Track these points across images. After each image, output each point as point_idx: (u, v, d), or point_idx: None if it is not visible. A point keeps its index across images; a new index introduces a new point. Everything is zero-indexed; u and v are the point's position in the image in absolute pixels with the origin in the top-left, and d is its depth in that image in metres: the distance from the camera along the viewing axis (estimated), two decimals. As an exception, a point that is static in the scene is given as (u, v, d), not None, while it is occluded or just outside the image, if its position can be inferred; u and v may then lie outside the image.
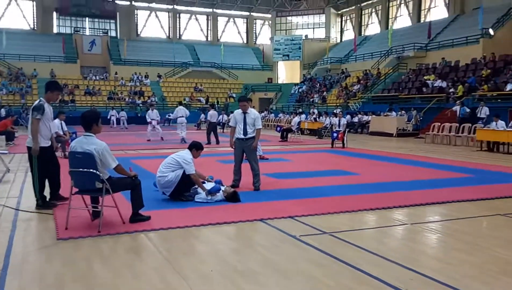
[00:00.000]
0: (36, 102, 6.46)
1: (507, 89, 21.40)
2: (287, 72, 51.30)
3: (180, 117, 18.04)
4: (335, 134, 16.74)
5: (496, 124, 15.15)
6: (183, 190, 6.94)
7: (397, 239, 5.35)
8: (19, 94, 35.98)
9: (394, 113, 24.31)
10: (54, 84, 6.74)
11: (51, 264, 4.22)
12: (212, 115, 17.62)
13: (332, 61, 43.64)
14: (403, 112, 24.34)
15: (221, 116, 28.06)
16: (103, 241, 4.91)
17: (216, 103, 40.55)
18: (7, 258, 4.35)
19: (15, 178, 9.16)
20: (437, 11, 39.66)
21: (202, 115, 31.01)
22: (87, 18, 46.93)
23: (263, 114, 33.21)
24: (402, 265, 4.19)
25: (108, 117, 30.95)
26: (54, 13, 45.70)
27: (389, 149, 16.04)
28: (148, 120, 19.65)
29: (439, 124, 19.32)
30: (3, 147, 14.51)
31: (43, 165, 6.32)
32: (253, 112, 8.10)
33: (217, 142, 17.12)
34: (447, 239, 5.21)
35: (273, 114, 33.69)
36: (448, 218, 6.16)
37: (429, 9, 40.64)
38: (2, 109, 30.76)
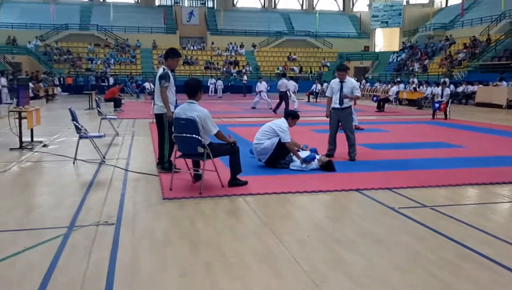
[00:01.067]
0: (160, 70, 6.62)
1: None
2: (385, 40, 48.99)
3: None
4: (437, 105, 15.82)
5: None
6: (279, 157, 7.02)
7: (506, 216, 4.99)
8: (124, 64, 38.40)
9: (504, 82, 22.30)
10: (173, 51, 6.82)
11: (159, 222, 4.53)
12: (280, 84, 17.34)
13: (435, 27, 40.83)
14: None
15: (314, 85, 27.75)
16: (205, 203, 5.15)
17: (309, 73, 40.24)
18: (120, 213, 4.75)
19: (123, 142, 9.88)
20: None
21: (296, 85, 30.89)
22: (186, -10, 48.32)
23: (358, 83, 32.28)
24: (511, 243, 3.90)
25: (208, 85, 32.03)
26: (156, -14, 47.63)
27: (498, 121, 14.83)
28: (257, 90, 20.82)
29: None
30: (112, 113, 15.66)
31: (171, 130, 6.56)
32: (350, 81, 7.90)
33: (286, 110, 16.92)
34: None
35: (368, 84, 32.56)
36: None
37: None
38: (111, 78, 33.14)
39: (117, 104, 18.16)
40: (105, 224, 4.39)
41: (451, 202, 5.33)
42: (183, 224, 4.43)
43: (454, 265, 3.47)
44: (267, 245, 3.87)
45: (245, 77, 34.68)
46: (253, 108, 20.01)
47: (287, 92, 17.33)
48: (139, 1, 47.62)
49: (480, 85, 23.23)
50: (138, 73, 37.03)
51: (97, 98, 13.35)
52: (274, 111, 17.27)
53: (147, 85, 26.34)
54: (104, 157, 7.69)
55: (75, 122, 7.54)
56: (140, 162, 7.60)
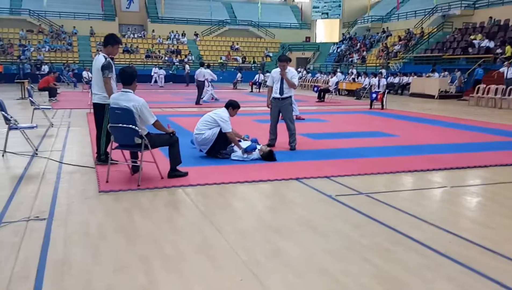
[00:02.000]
0: (101, 58, 6.23)
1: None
2: (326, 31, 49.90)
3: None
4: (374, 95, 16.36)
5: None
6: (220, 147, 6.99)
7: (436, 201, 5.25)
8: (60, 51, 36.70)
9: (436, 74, 23.44)
10: (114, 37, 6.44)
11: (94, 215, 4.38)
12: (198, 73, 17.24)
13: (373, 19, 42.06)
14: (446, 73, 23.44)
15: (257, 76, 27.86)
16: (143, 195, 5.04)
17: (252, 62, 40.33)
18: (52, 207, 4.54)
19: (58, 133, 9.45)
20: (488, -34, 37.24)
21: (239, 74, 30.88)
22: (125, -25, 46.75)
23: (300, 74, 32.74)
24: (440, 228, 4.12)
25: (152, 74, 31.22)
26: (93, -30, 45.72)
27: (431, 111, 15.58)
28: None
29: (484, 86, 18.54)
30: (46, 103, 14.95)
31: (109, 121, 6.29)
32: (291, 71, 7.97)
33: (197, 101, 16.99)
34: (488, 203, 5.07)
35: (310, 74, 33.13)
36: (490, 182, 5.99)
37: (479, -37, 38.22)
38: (45, 66, 31.55)
39: (52, 93, 17.37)
40: (36, 219, 4.18)
41: (385, 189, 5.53)
42: (120, 217, 4.31)
43: (386, 250, 3.60)
44: (206, 237, 3.84)
45: (187, 67, 34.16)
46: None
47: (205, 81, 17.26)
48: (75, -14, 45.49)
49: (415, 76, 24.27)
50: (75, 61, 35.53)
51: (29, 87, 12.68)
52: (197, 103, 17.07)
53: (84, 74, 25.34)
54: (36, 149, 7.33)
55: (3, 112, 7.11)
56: (76, 154, 7.31)
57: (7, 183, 5.48)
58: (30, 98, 11.24)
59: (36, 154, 7.10)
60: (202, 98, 17.62)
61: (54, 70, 27.45)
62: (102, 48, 6.57)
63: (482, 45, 24.73)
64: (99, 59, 6.27)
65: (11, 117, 7.14)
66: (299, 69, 34.51)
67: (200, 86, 17.03)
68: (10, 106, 13.46)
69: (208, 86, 17.99)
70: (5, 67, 31.89)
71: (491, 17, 27.77)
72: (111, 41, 6.37)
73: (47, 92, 17.31)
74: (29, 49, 35.32)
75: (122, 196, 5.00)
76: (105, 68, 6.13)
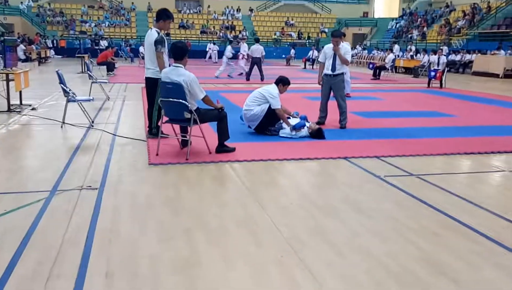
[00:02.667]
0: (154, 33, 6.30)
1: None
2: (385, 6, 48.05)
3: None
4: (432, 73, 15.67)
5: None
6: (268, 124, 6.96)
7: (493, 186, 4.99)
8: (118, 27, 37.70)
9: (502, 51, 22.07)
10: (166, 12, 6.49)
11: (143, 187, 4.50)
12: (254, 50, 16.61)
13: (436, -7, 40.06)
14: (513, 51, 22.02)
15: (311, 52, 27.40)
16: (190, 169, 5.12)
17: (307, 39, 39.67)
18: (104, 178, 4.71)
19: (114, 106, 9.77)
20: None
21: (292, 51, 30.50)
22: (182, -50, 47.00)
23: (355, 50, 31.86)
24: (495, 213, 3.91)
25: (207, 50, 31.17)
26: None
27: (494, 90, 14.74)
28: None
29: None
30: (104, 77, 15.46)
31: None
32: (344, 47, 7.74)
33: (262, 78, 16.42)
34: (550, 190, 4.76)
35: (366, 51, 32.17)
36: (555, 168, 5.60)
37: None
38: (104, 41, 32.57)
39: (110, 68, 17.92)
40: (88, 189, 4.36)
41: (438, 171, 5.32)
42: (167, 190, 4.41)
43: (434, 234, 3.47)
44: (249, 212, 3.85)
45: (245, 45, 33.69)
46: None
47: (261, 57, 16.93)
48: (134, -38, 46.29)
49: (478, 54, 22.98)
50: (132, 37, 36.42)
51: (88, 62, 13.14)
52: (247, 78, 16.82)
53: (141, 49, 25.89)
54: (93, 122, 7.61)
55: (62, 85, 7.42)
56: (129, 127, 7.53)
57: (64, 153, 5.74)
58: (89, 72, 11.65)
59: (92, 126, 7.38)
60: (230, 74, 17.75)
61: (113, 45, 28.29)
62: (155, 23, 6.65)
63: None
64: (152, 34, 6.35)
65: (69, 90, 7.43)
66: (357, 46, 33.59)
67: (258, 62, 16.88)
68: (70, 79, 14.07)
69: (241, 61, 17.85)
70: (67, 42, 33.25)
71: None
72: (163, 16, 6.41)
73: (105, 67, 17.87)
74: (90, 24, 36.55)
75: (171, 169, 5.11)
76: (158, 42, 6.21)
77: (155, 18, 6.80)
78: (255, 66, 16.66)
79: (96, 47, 30.78)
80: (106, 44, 30.24)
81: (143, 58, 24.18)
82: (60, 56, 29.84)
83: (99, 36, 34.38)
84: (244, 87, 14.39)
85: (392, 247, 3.23)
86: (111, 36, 34.93)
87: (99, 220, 3.62)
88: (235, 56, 19.54)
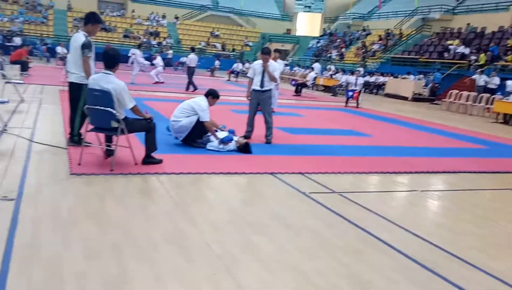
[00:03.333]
0: (81, 36, 6.05)
1: (532, 62, 20.81)
2: (307, 25, 49.98)
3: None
4: (350, 93, 16.53)
5: (516, 97, 14.85)
6: (196, 136, 6.95)
7: (405, 204, 5.37)
8: (34, 24, 35.59)
9: (412, 76, 23.84)
10: (95, 16, 6.28)
11: (65, 198, 4.29)
12: (192, 59, 16.93)
13: (354, 17, 42.39)
14: (421, 76, 23.86)
15: (236, 64, 27.71)
16: (116, 180, 4.97)
17: (231, 51, 40.08)
18: (21, 188, 4.43)
19: (29, 109, 9.20)
20: (469, -27, 37.93)
21: (217, 62, 30.62)
22: (107, -50, 45.64)
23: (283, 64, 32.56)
24: (409, 231, 4.22)
25: (129, 55, 30.19)
26: None
27: (404, 112, 15.85)
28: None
29: (457, 91, 18.98)
30: (17, 77, 14.50)
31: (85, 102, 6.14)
32: (272, 64, 7.95)
33: (195, 88, 16.63)
34: (454, 208, 5.22)
35: (288, 67, 33.13)
36: (458, 188, 6.15)
37: (461, -30, 38.87)
38: (18, 38, 30.54)
39: (24, 67, 16.82)
40: (4, 199, 4.07)
41: (357, 189, 5.62)
42: (91, 202, 4.24)
43: (357, 251, 3.67)
44: (179, 227, 3.82)
45: (171, 51, 33.41)
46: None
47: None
48: (54, -43, 44.14)
49: (391, 77, 24.62)
50: (49, 35, 34.53)
51: (1, 59, 12.26)
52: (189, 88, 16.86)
53: (59, 49, 24.69)
54: (6, 125, 7.11)
55: (-27, 85, 6.87)
56: (47, 133, 7.13)
57: (-26, 159, 5.32)
58: (2, 70, 10.88)
59: (6, 130, 6.90)
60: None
61: (28, 43, 26.64)
62: (82, 26, 6.39)
63: (458, 51, 25.23)
64: (79, 37, 6.10)
65: (-19, 90, 6.90)
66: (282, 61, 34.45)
67: (193, 72, 16.80)
68: (-20, 77, 13.02)
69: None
70: (-25, 36, 30.75)
71: (468, 24, 28.34)
72: (92, 19, 6.21)
73: (18, 66, 16.77)
74: (1, 18, 34.14)
75: (95, 180, 4.92)
76: (85, 46, 5.99)
77: (82, 20, 6.53)
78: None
79: (9, 44, 28.76)
80: (20, 42, 28.45)
81: (60, 58, 23.13)
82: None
83: (13, 32, 32.16)
84: (168, 96, 14.22)
85: (319, 264, 3.36)
86: (25, 34, 32.84)
87: (17, 234, 3.40)
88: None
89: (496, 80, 18.71)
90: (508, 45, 23.34)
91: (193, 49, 17.95)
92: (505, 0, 28.08)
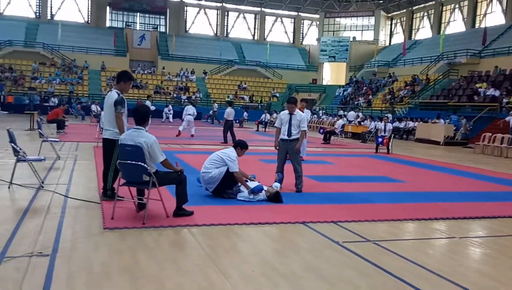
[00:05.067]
0: (113, 94, 6.31)
1: None
2: (332, 74, 50.71)
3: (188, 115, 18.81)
4: (380, 139, 16.39)
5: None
6: (226, 187, 6.97)
7: (444, 252, 5.17)
8: (70, 84, 37.29)
9: (442, 120, 23.56)
10: (127, 74, 6.53)
11: (98, 253, 4.32)
12: (229, 113, 17.23)
13: (379, 64, 42.79)
14: (450, 120, 23.54)
15: (263, 115, 28.09)
16: (148, 233, 4.99)
17: (259, 102, 40.78)
18: (56, 243, 4.49)
19: (65, 166, 9.47)
20: (494, 17, 38.09)
21: (245, 113, 31.12)
22: (138, 13, 48.16)
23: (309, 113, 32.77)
24: (450, 280, 4.03)
25: (164, 112, 30.80)
26: (108, 8, 47.18)
27: (436, 157, 15.56)
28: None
29: (490, 134, 18.58)
30: (54, 135, 15.07)
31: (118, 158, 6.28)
32: (299, 114, 8.04)
33: (234, 140, 16.79)
34: (497, 255, 4.98)
35: (316, 116, 33.32)
36: (498, 234, 5.90)
37: (485, 14, 39.10)
38: (54, 98, 31.97)
39: (60, 126, 17.52)
40: (39, 255, 4.13)
41: (392, 237, 5.46)
42: (124, 256, 4.25)
43: (395, 302, 3.52)
44: (211, 280, 3.77)
45: (215, 105, 33.99)
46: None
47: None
48: (89, 22, 46.84)
49: (420, 122, 24.39)
50: (84, 94, 36.06)
51: (38, 119, 12.82)
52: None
53: (93, 107, 25.66)
54: (42, 182, 7.32)
55: (13, 144, 7.16)
56: (82, 188, 7.29)
57: (11, 216, 5.45)
58: (39, 130, 11.34)
59: (42, 186, 7.10)
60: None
61: (63, 102, 27.82)
62: (114, 84, 6.67)
63: (487, 93, 24.94)
64: (112, 95, 6.35)
65: (20, 149, 7.18)
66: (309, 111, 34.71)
67: (232, 125, 17.18)
68: (18, 136, 13.55)
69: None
70: (16, 98, 32.38)
71: (496, 66, 28.14)
72: (124, 78, 6.47)
73: (55, 124, 17.46)
74: (40, 81, 35.93)
75: (127, 233, 4.95)
76: (118, 103, 6.21)
77: (115, 79, 6.82)
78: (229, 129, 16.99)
79: (46, 104, 30.11)
80: (57, 101, 29.74)
81: (94, 116, 23.97)
82: (6, 112, 28.87)
83: (49, 93, 33.73)
84: (199, 148, 14.43)
85: (356, 316, 3.23)
86: (62, 94, 34.40)
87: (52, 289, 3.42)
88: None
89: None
90: (539, 86, 22.96)
91: (230, 103, 18.44)
92: (533, 41, 27.88)
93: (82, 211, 5.83)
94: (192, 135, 18.53)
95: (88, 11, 46.86)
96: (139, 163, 5.29)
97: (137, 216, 5.62)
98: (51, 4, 45.21)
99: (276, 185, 7.36)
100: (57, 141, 11.94)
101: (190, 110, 19.12)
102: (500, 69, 27.68)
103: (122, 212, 5.72)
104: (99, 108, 23.35)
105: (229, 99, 39.08)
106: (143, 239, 4.79)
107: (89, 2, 46.59)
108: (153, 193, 5.50)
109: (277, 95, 42.78)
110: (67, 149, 12.50)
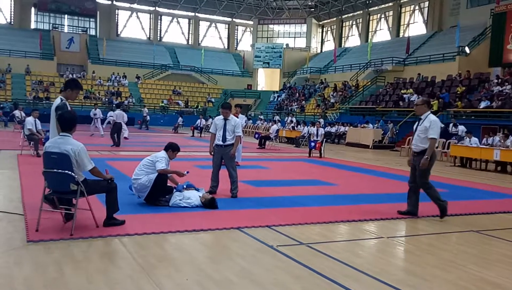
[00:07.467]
0: (58, 100, 6.12)
1: (481, 107, 21.93)
2: (267, 80, 51.45)
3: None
4: (312, 144, 16.80)
5: (470, 140, 15.47)
6: (159, 195, 6.82)
7: (373, 252, 5.36)
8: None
9: (370, 125, 24.59)
10: (75, 82, 6.44)
11: (21, 268, 4.06)
12: (118, 115, 17.18)
13: (312, 71, 43.99)
14: (379, 124, 24.64)
15: (199, 121, 27.90)
16: (76, 245, 4.76)
17: (195, 107, 40.48)
18: (-27, 260, 4.17)
19: (-15, 176, 8.86)
20: (416, 27, 40.44)
21: (180, 119, 30.74)
22: (66, 15, 46.24)
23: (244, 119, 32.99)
24: (378, 279, 4.18)
25: (92, 115, 29.62)
26: (33, 9, 44.86)
27: (366, 160, 16.19)
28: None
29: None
30: (-28, 143, 14.06)
31: None
32: (234, 119, 8.05)
33: (118, 144, 16.57)
34: (422, 254, 5.23)
35: (251, 121, 33.59)
36: (423, 233, 6.22)
37: (408, 24, 41.40)
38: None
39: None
40: (-47, 274, 3.81)
41: (324, 239, 5.59)
42: (49, 270, 4.02)
43: (327, 303, 3.59)
44: (143, 291, 3.66)
45: (146, 110, 33.15)
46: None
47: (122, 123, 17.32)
48: (12, 23, 44.24)
49: (350, 127, 25.31)
50: (7, 100, 33.97)
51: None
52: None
53: (17, 113, 24.19)
54: (-42, 194, 6.79)
55: None
56: (4, 199, 6.85)
57: None
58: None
59: (-42, 199, 6.58)
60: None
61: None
62: (62, 92, 6.50)
63: (411, 99, 26.35)
64: (56, 101, 6.18)
65: None
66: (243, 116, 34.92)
67: (120, 128, 16.92)
68: None
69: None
70: None
71: (419, 74, 29.85)
72: (71, 85, 6.33)
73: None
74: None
75: (53, 246, 4.70)
76: (58, 109, 5.99)
77: (62, 87, 6.66)
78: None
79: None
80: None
81: (18, 122, 22.63)
82: None
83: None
84: (131, 154, 14.04)
85: (290, 320, 3.26)
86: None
87: (-33, 311, 3.16)
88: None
89: (461, 128, 19.33)
90: (458, 92, 24.62)
91: (118, 106, 18.28)
92: (451, 51, 29.87)
93: (3, 224, 5.47)
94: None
95: (11, 11, 44.27)
96: (66, 171, 5.04)
97: (65, 227, 5.36)
98: (-31, 4, 42.33)
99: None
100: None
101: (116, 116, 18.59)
102: (423, 76, 29.38)
103: (48, 224, 5.42)
104: (23, 114, 22.10)
105: (163, 104, 38.52)
106: (70, 251, 4.56)
107: (12, 2, 44.04)
108: (81, 202, 5.26)
109: (213, 100, 42.70)
110: (-13, 157, 11.70)
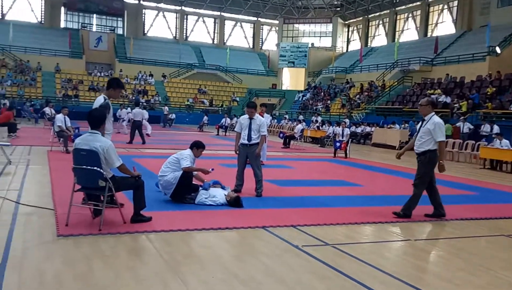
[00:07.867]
0: (101, 99, 6.23)
1: (512, 108, 21.38)
2: (292, 79, 51.28)
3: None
4: (338, 144, 16.67)
5: (500, 142, 15.08)
6: (185, 192, 6.89)
7: (400, 254, 5.29)
8: (23, 86, 35.93)
9: (397, 125, 24.24)
10: (117, 81, 6.57)
11: (51, 261, 4.16)
12: (136, 113, 17.11)
13: (337, 70, 43.65)
14: (406, 125, 24.26)
15: (224, 119, 28.03)
16: (104, 240, 4.85)
17: (220, 106, 40.70)
18: (6, 252, 4.29)
19: (16, 171, 9.09)
20: (445, 27, 39.67)
21: (205, 117, 30.95)
22: (94, 15, 47.10)
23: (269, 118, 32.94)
24: (405, 282, 4.12)
25: (118, 116, 30.06)
26: (62, 8, 45.85)
27: (392, 161, 15.95)
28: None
29: (442, 139, 19.24)
30: (5, 139, 14.46)
31: None
32: (259, 118, 8.05)
33: (143, 141, 16.69)
34: (451, 257, 5.13)
35: (276, 120, 33.56)
36: (452, 236, 6.09)
37: (436, 24, 40.66)
38: (6, 100, 30.70)
39: (12, 129, 16.82)
40: (-13, 266, 3.93)
41: (350, 240, 5.54)
42: (78, 265, 4.11)
43: (353, 305, 3.56)
44: (169, 288, 3.70)
45: (166, 108, 33.65)
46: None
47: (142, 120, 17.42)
48: (42, 22, 45.32)
49: (377, 127, 25.01)
50: (38, 97, 34.82)
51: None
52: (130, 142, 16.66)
53: (47, 110, 24.74)
54: (-9, 188, 7.00)
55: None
56: (34, 195, 7.02)
57: (-43, 224, 5.17)
58: (-11, 133, 10.84)
59: (-9, 193, 6.78)
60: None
61: (15, 105, 26.77)
62: (104, 90, 6.61)
63: (439, 99, 25.85)
64: (99, 100, 6.27)
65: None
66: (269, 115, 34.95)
67: (139, 126, 17.01)
68: (-34, 140, 12.94)
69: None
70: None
71: (447, 74, 29.27)
72: (113, 84, 6.43)
73: (6, 128, 16.76)
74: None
75: (82, 241, 4.80)
76: (103, 107, 6.08)
77: (105, 86, 6.75)
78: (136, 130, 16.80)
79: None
80: (8, 104, 28.55)
81: (48, 119, 23.13)
82: None
83: (2, 96, 32.34)
84: (158, 152, 14.21)
85: (316, 320, 3.25)
86: (13, 96, 33.09)
87: (1, 302, 3.26)
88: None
89: (487, 128, 18.99)
90: (488, 93, 24.04)
91: (137, 104, 18.29)
92: (481, 51, 29.19)
93: (34, 218, 5.60)
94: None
95: (41, 11, 45.33)
96: (95, 168, 5.14)
97: (93, 222, 5.45)
98: (1, 3, 43.46)
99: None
100: (8, 145, 11.46)
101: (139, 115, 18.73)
102: (451, 77, 28.80)
103: (78, 219, 5.53)
104: (53, 111, 22.59)
105: (188, 103, 38.86)
106: (99, 246, 4.64)
107: (43, 2, 45.09)
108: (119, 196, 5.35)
109: (237, 99, 42.83)
110: (19, 153, 12.02)
